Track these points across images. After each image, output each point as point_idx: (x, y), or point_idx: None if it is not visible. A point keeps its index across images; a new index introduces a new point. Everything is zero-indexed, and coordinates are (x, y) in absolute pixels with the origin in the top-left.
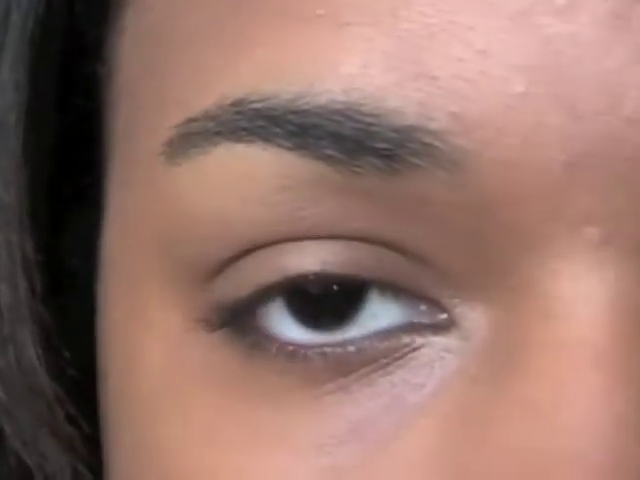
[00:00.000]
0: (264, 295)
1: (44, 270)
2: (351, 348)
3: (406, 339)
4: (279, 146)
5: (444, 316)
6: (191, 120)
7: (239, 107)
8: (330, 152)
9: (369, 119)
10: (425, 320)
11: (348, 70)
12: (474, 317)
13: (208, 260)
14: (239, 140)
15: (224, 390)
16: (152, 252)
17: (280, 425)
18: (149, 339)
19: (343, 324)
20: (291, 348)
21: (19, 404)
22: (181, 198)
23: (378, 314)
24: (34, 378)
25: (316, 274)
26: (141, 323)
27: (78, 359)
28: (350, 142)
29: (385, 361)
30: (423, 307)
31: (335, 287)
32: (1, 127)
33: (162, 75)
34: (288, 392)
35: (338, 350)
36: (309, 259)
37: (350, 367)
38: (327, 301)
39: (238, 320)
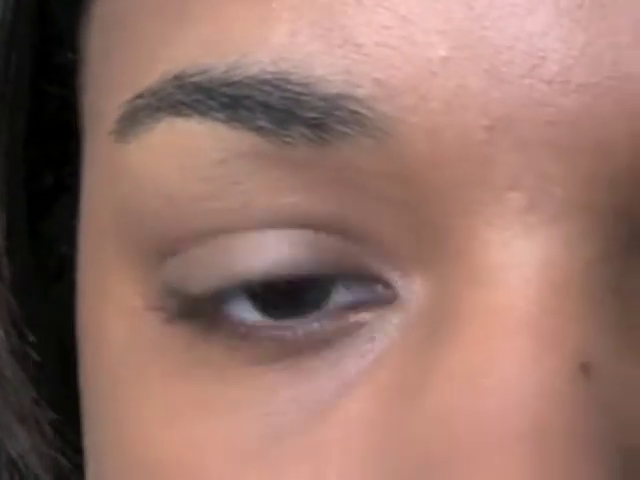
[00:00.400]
0: (219, 287)
1: (15, 257)
2: (300, 331)
3: (354, 317)
4: (214, 119)
5: (386, 285)
6: (137, 97)
7: (179, 81)
8: (261, 123)
9: (298, 88)
10: (371, 297)
11: (277, 40)
12: (413, 289)
13: (159, 239)
14: (179, 114)
15: (178, 367)
16: (111, 231)
17: (228, 400)
18: (112, 316)
19: (306, 311)
20: (243, 330)
21: None
22: (131, 175)
23: (335, 298)
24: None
25: (264, 274)
26: (105, 301)
27: (63, 347)
28: (280, 112)
29: (333, 339)
30: (369, 284)
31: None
32: None
33: (116, 57)
34: (236, 369)
35: (288, 334)
36: (258, 260)
37: (298, 347)
38: (284, 290)
39: (192, 302)
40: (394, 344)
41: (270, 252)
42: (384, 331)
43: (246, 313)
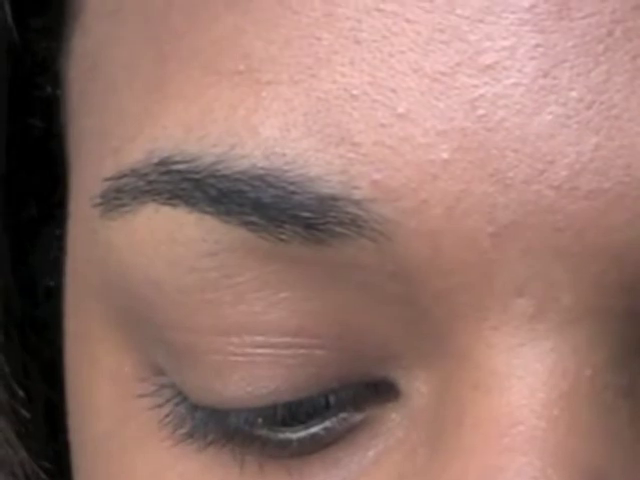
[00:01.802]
0: (213, 406)
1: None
2: (302, 435)
3: (355, 417)
4: (202, 211)
5: (390, 384)
6: (121, 176)
7: (164, 167)
8: (253, 219)
9: (291, 187)
10: (372, 392)
11: (268, 133)
12: (417, 385)
13: (149, 323)
14: (165, 202)
15: (170, 446)
16: (97, 298)
17: None
18: (100, 381)
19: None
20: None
21: None
22: (115, 255)
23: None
24: None
25: (260, 407)
26: (93, 365)
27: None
28: (272, 209)
29: (335, 438)
30: (370, 383)
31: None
32: None
33: (97, 116)
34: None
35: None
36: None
37: (300, 450)
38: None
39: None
40: (397, 443)
41: (267, 381)
42: (387, 427)
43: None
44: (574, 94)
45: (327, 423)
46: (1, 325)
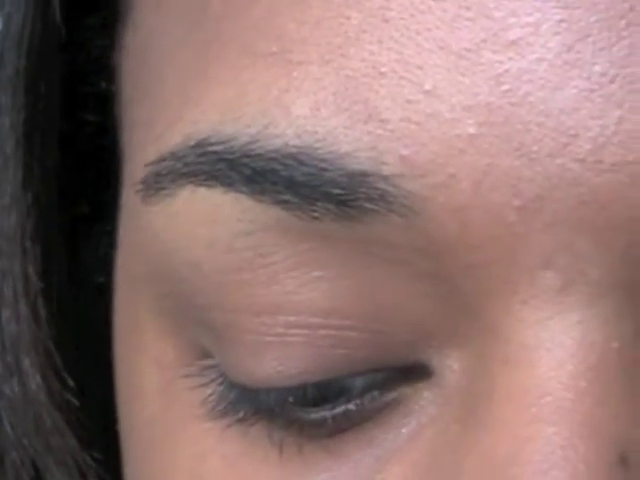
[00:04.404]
0: (245, 385)
1: (49, 295)
2: (329, 419)
3: (387, 396)
4: (238, 191)
5: (421, 365)
6: (161, 159)
7: (201, 149)
8: (286, 197)
9: (322, 164)
10: (403, 374)
11: (300, 112)
12: (448, 364)
13: (189, 306)
14: (202, 183)
15: (214, 428)
16: (144, 285)
17: (265, 476)
18: (146, 368)
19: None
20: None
21: (25, 434)
22: (156, 238)
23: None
24: (38, 407)
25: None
26: (139, 351)
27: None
28: (304, 187)
29: (368, 415)
30: (401, 361)
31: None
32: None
33: (145, 105)
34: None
35: (327, 417)
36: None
37: (335, 427)
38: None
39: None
40: (429, 420)
41: (298, 362)
42: (419, 406)
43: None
44: (597, 68)
45: (358, 401)
46: (53, 319)
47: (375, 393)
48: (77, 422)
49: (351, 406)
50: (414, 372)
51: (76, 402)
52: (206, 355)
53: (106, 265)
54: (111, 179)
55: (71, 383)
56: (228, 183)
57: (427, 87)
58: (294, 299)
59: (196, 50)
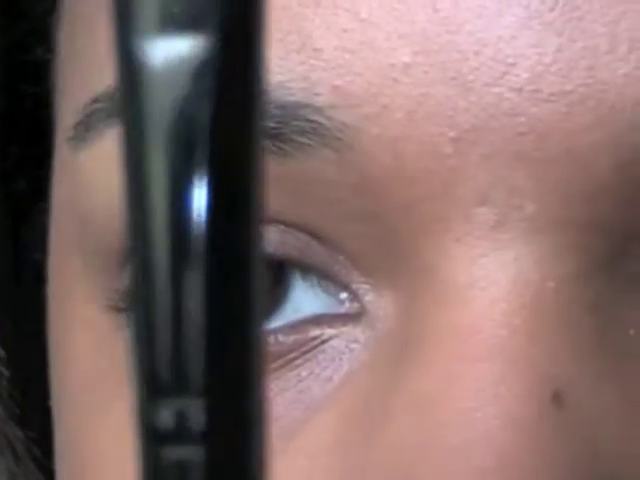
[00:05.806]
0: None
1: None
2: None
3: (315, 332)
4: None
5: (356, 305)
6: (93, 101)
7: None
8: None
9: None
10: (340, 310)
11: None
12: (383, 305)
13: (116, 251)
14: None
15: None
16: (76, 243)
17: None
18: (74, 332)
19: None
20: None
21: None
22: (84, 186)
23: (302, 305)
24: None
25: None
26: (72, 319)
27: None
28: None
29: (293, 356)
30: (342, 295)
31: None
32: None
33: (80, 60)
34: None
35: None
36: None
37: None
38: None
39: None
40: (362, 365)
41: None
42: (351, 350)
43: None
44: None
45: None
46: None
47: (301, 326)
48: (7, 395)
49: (271, 338)
50: (350, 309)
51: (6, 372)
52: None
53: (44, 243)
54: (50, 152)
55: (2, 353)
56: None
57: (363, 15)
58: None
59: None
